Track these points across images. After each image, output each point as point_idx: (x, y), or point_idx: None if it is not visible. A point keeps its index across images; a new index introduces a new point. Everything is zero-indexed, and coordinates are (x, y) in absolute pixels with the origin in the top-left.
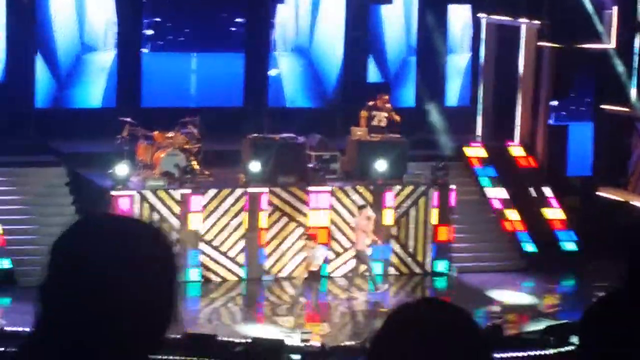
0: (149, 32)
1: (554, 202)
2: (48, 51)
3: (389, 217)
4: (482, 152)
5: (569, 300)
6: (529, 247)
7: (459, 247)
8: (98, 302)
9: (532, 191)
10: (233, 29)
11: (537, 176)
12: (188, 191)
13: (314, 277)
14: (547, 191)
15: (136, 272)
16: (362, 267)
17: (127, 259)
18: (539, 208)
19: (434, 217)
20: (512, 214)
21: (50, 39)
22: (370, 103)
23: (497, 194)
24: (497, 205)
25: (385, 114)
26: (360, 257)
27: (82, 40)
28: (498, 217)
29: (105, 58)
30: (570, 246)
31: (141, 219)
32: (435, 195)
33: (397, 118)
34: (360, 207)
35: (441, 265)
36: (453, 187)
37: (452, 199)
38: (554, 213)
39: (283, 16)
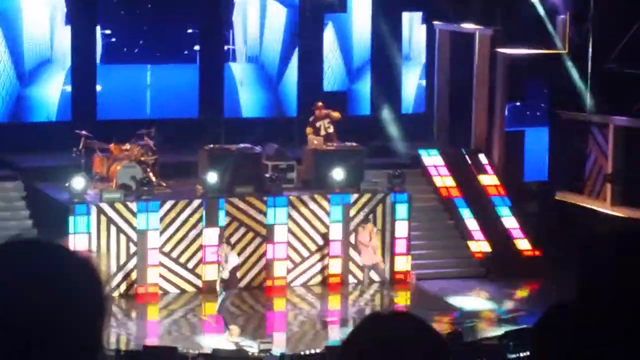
0: (103, 44)
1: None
2: (3, 64)
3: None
4: (439, 161)
5: (528, 305)
6: (487, 253)
7: (417, 254)
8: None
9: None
10: (186, 40)
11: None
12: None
13: (226, 285)
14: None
15: (50, 303)
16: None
17: (42, 290)
18: (498, 214)
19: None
20: (471, 223)
21: (3, 53)
22: (310, 119)
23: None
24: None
25: (327, 120)
26: (367, 270)
27: (35, 54)
28: (456, 223)
29: (59, 71)
30: (528, 252)
31: (73, 250)
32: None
33: (336, 115)
34: (363, 223)
35: (400, 273)
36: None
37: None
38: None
39: (237, 26)
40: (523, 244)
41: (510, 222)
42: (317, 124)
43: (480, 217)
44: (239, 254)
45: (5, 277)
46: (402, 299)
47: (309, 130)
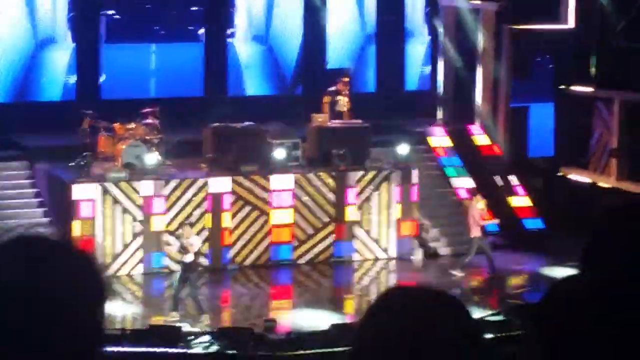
0: (107, 24)
1: (520, 190)
2: (4, 46)
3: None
4: (446, 142)
5: (533, 280)
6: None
7: (424, 230)
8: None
9: (498, 179)
10: (191, 18)
11: (501, 163)
12: (149, 183)
13: (189, 268)
14: (514, 179)
15: (49, 296)
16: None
17: (39, 284)
18: (505, 196)
19: (398, 212)
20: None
21: (5, 34)
22: (332, 88)
23: (462, 183)
24: (463, 194)
25: (347, 99)
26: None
27: (39, 34)
28: (461, 200)
29: (64, 51)
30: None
31: (74, 245)
32: (397, 190)
33: (349, 104)
34: (473, 194)
35: (406, 250)
36: (415, 179)
37: (415, 194)
38: (520, 201)
39: (242, 5)
40: (531, 226)
41: (519, 203)
42: (337, 98)
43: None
44: (244, 232)
45: (10, 275)
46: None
47: (326, 99)
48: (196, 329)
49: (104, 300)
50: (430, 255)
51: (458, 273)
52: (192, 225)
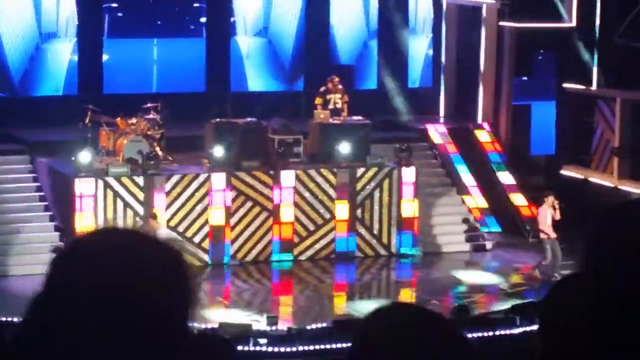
0: (109, 18)
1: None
2: (6, 40)
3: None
4: (448, 139)
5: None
6: (494, 228)
7: (424, 228)
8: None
9: (499, 176)
10: (193, 13)
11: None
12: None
13: None
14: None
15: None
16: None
17: (133, 277)
18: (507, 194)
19: (399, 208)
20: (480, 200)
21: (5, 30)
22: (322, 89)
23: (466, 180)
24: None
25: (339, 96)
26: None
27: (41, 29)
28: (462, 199)
29: (65, 45)
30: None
31: (167, 243)
32: (398, 187)
33: (346, 98)
34: (546, 195)
35: (407, 247)
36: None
37: (415, 190)
38: (522, 200)
39: (244, 2)
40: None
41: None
42: (328, 97)
43: (490, 196)
44: (245, 228)
45: (96, 267)
46: (407, 272)
47: (318, 100)
48: (200, 325)
49: (193, 305)
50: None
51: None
52: (154, 217)
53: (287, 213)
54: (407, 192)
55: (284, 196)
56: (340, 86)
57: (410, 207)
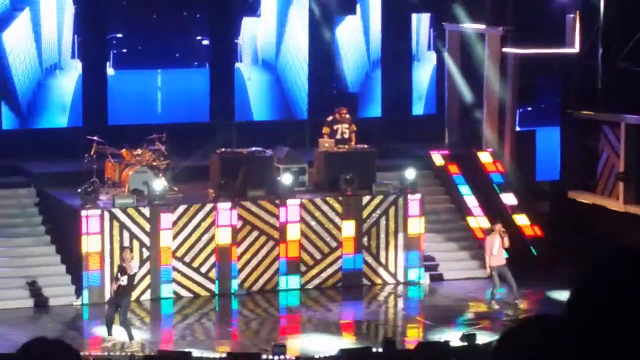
0: (113, 50)
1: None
2: (10, 74)
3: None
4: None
5: (540, 306)
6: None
7: (431, 255)
8: None
9: (502, 198)
10: (197, 44)
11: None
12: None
13: (123, 292)
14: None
15: None
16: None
17: None
18: (510, 215)
19: (405, 236)
20: (484, 221)
21: (11, 62)
22: (330, 118)
23: (469, 202)
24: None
25: (347, 125)
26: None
27: (45, 61)
28: (469, 224)
29: (70, 77)
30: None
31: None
32: (403, 214)
33: (353, 128)
34: (494, 223)
35: (413, 274)
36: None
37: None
38: (525, 220)
39: (248, 30)
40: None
41: (523, 222)
42: (335, 127)
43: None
44: (252, 257)
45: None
46: (414, 299)
47: (325, 129)
48: (209, 355)
49: None
50: (435, 278)
51: (494, 306)
52: (131, 250)
53: (294, 231)
54: (413, 218)
55: (290, 215)
56: (348, 116)
57: (416, 233)
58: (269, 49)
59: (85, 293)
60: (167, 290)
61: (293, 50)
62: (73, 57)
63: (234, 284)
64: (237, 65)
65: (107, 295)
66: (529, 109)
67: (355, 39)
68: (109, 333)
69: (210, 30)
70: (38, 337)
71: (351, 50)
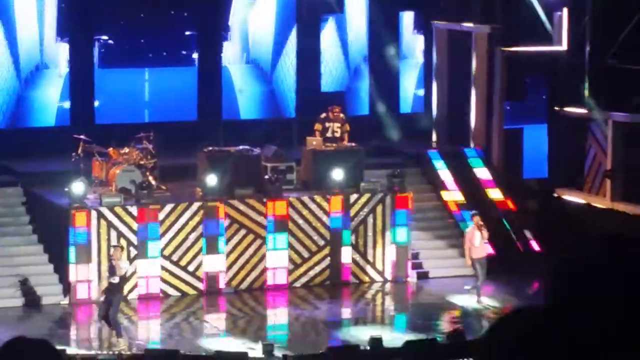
0: (100, 49)
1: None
2: None
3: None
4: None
5: (531, 303)
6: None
7: (418, 252)
8: None
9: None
10: (185, 42)
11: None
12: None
13: (114, 290)
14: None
15: None
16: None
17: None
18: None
19: (392, 234)
20: (457, 194)
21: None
22: (323, 115)
23: (454, 197)
24: (454, 208)
25: (339, 124)
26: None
27: (33, 60)
28: (456, 222)
29: (57, 76)
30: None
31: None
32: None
33: (347, 127)
34: (473, 216)
35: (401, 234)
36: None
37: (409, 215)
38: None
39: (235, 29)
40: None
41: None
42: (327, 124)
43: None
44: (239, 256)
45: None
46: (402, 297)
47: (317, 126)
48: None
49: None
50: (421, 276)
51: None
52: (122, 248)
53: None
54: (401, 217)
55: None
56: (341, 115)
57: (404, 232)
58: (255, 48)
59: (72, 291)
60: (154, 289)
61: (279, 48)
62: (60, 56)
63: (221, 284)
64: (224, 64)
65: (95, 294)
66: (508, 108)
67: (342, 37)
68: (119, 334)
69: (198, 29)
70: (19, 336)
71: (338, 49)
